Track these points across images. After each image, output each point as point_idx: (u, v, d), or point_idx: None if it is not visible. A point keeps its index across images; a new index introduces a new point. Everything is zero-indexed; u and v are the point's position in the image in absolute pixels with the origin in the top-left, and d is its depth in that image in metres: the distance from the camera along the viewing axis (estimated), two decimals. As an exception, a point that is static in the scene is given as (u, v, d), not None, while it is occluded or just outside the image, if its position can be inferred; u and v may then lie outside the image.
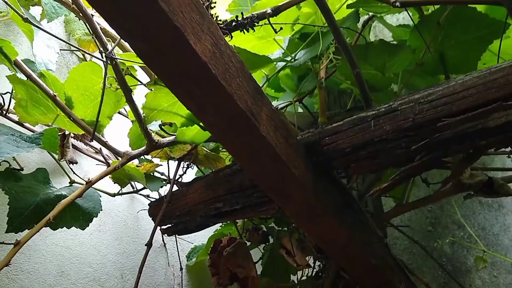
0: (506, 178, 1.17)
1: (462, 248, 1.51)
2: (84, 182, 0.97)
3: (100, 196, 1.01)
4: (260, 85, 1.14)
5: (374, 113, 0.82)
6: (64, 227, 0.91)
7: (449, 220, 1.55)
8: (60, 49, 1.15)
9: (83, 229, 0.94)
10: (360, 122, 0.83)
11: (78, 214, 0.94)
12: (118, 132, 1.22)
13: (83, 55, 1.33)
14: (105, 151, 1.29)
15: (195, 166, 1.25)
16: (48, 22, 1.09)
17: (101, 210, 0.97)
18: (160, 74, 0.66)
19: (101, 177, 0.96)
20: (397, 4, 0.76)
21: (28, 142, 0.84)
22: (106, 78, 0.92)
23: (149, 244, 1.04)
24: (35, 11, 1.18)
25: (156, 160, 1.22)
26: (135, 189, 1.30)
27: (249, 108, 0.72)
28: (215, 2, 0.84)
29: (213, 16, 0.80)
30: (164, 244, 1.42)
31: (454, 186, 1.10)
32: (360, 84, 0.89)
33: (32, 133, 1.04)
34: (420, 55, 1.01)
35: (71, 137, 1.20)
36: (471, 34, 1.02)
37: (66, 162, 1.18)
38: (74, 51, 1.26)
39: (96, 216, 0.96)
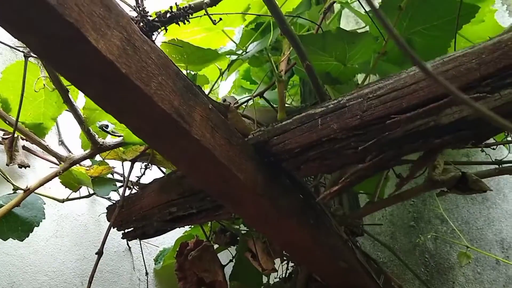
0: (481, 173, 1.10)
1: (445, 244, 1.44)
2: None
3: (44, 203, 0.95)
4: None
5: (322, 110, 0.75)
6: None
7: (432, 215, 1.47)
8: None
9: (21, 240, 0.88)
10: (308, 120, 0.76)
11: (17, 225, 0.88)
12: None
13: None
14: (62, 153, 1.23)
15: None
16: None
17: (44, 218, 0.91)
18: (63, 73, 0.59)
19: (41, 184, 0.90)
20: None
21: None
22: (42, 79, 0.85)
23: (99, 253, 0.98)
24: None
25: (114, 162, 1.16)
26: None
27: (175, 110, 0.65)
28: (148, -8, 0.77)
29: (142, 10, 0.72)
30: (129, 247, 1.36)
31: (427, 183, 1.03)
32: (312, 77, 0.81)
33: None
34: (383, 44, 0.93)
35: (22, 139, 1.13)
36: (439, 19, 0.94)
37: (18, 166, 1.12)
38: (14, 48, 1.19)
39: (38, 225, 0.90)
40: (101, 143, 0.94)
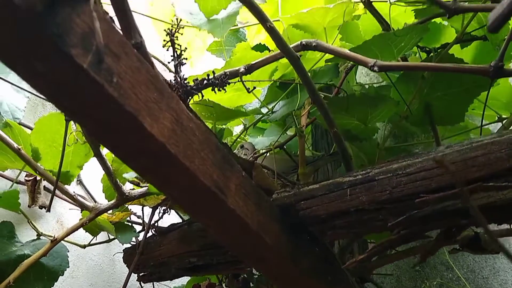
0: (493, 233, 1.13)
1: (450, 291, 1.46)
2: (53, 235, 0.93)
3: (68, 251, 0.96)
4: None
5: (351, 180, 0.78)
6: (26, 288, 0.86)
7: (437, 261, 1.50)
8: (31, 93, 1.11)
9: (46, 290, 0.89)
10: (336, 189, 0.79)
11: (43, 274, 0.90)
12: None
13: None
14: (79, 191, 1.25)
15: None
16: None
17: (68, 267, 0.93)
18: (113, 151, 0.62)
19: (67, 234, 0.92)
20: (375, 68, 0.72)
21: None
22: (74, 133, 0.87)
23: (119, 300, 1.00)
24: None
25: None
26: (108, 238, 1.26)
27: (214, 183, 0.68)
28: (186, 59, 0.80)
29: (181, 79, 0.76)
30: (141, 287, 1.37)
31: (439, 239, 1.06)
32: (339, 144, 0.84)
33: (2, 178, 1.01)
34: (405, 108, 0.97)
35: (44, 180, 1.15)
36: (458, 87, 0.97)
37: (39, 207, 1.13)
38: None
39: (62, 274, 0.92)
40: (126, 193, 0.96)
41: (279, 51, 0.78)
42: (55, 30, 0.46)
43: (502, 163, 0.64)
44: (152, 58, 1.07)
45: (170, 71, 0.80)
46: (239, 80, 0.81)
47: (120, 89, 0.53)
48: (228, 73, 0.81)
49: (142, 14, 1.00)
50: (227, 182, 0.71)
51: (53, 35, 0.46)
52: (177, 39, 0.78)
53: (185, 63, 0.80)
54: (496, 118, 1.07)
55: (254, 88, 0.81)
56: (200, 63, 1.10)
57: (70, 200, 1.02)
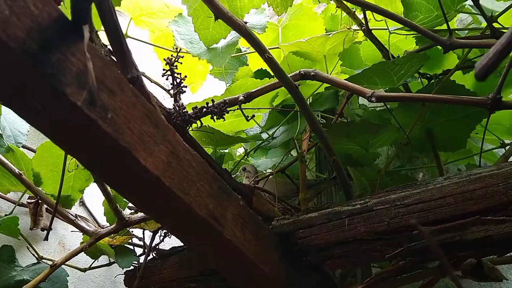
0: (497, 260, 1.11)
1: (456, 316, 1.43)
2: (53, 260, 0.94)
3: (68, 276, 0.96)
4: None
5: (349, 210, 0.77)
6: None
7: (442, 284, 1.47)
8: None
9: (45, 315, 0.89)
10: (335, 218, 0.78)
11: (41, 299, 0.89)
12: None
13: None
14: (82, 213, 1.25)
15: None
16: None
17: (67, 291, 0.93)
18: (108, 183, 0.62)
19: (67, 259, 0.92)
20: (373, 99, 0.72)
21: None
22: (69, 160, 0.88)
23: (118, 325, 0.99)
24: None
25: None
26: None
27: (211, 213, 0.68)
28: (186, 86, 0.81)
29: (179, 107, 0.76)
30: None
31: (441, 267, 1.05)
32: (339, 172, 0.84)
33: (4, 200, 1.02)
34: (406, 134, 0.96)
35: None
36: (460, 113, 0.97)
37: (40, 230, 1.14)
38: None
39: (61, 300, 0.92)
40: (126, 218, 0.96)
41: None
42: (50, 71, 0.47)
43: (499, 197, 0.64)
44: (153, 85, 1.09)
45: (171, 96, 0.80)
46: (239, 108, 0.81)
47: (115, 125, 0.53)
48: (227, 101, 0.81)
49: (143, 42, 1.01)
50: (224, 212, 0.71)
51: (48, 75, 0.47)
52: (176, 68, 0.79)
53: (185, 91, 0.80)
54: (499, 143, 1.06)
55: (254, 116, 0.81)
56: (202, 87, 1.11)
57: (70, 224, 1.03)
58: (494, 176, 0.65)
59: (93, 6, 0.50)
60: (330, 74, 0.96)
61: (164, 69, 0.77)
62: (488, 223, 0.64)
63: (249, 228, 0.77)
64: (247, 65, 1.10)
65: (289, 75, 0.78)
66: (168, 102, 0.86)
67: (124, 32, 1.01)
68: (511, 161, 0.71)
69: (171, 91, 0.80)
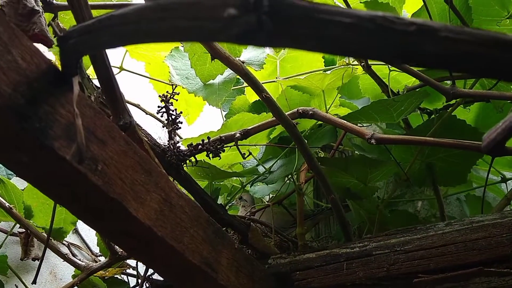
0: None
1: None
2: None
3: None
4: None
5: (348, 253, 0.75)
6: None
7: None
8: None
9: None
10: (333, 261, 0.76)
11: (29, 337, 0.87)
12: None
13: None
14: (75, 241, 1.23)
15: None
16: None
17: (57, 329, 0.90)
18: (98, 231, 0.60)
19: (57, 295, 0.89)
20: (372, 141, 0.70)
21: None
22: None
23: None
24: None
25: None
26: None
27: (204, 260, 0.65)
28: (181, 122, 0.79)
29: (174, 146, 0.74)
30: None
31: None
32: (338, 213, 0.82)
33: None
34: (406, 168, 0.95)
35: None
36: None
37: (31, 259, 1.11)
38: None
39: (50, 337, 0.89)
40: (119, 252, 0.94)
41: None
42: (37, 125, 0.45)
43: (503, 248, 0.62)
44: (149, 117, 1.07)
45: (166, 127, 0.79)
46: (235, 145, 0.80)
47: (105, 177, 0.51)
48: (223, 138, 0.79)
49: (139, 74, 1.00)
50: (218, 257, 0.69)
51: (34, 130, 0.45)
52: (172, 105, 0.77)
53: (180, 127, 0.79)
54: (500, 178, 1.04)
55: (250, 153, 0.79)
56: (199, 118, 1.09)
57: (62, 259, 1.00)
58: (497, 225, 0.64)
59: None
60: (329, 108, 0.95)
61: (159, 106, 0.76)
62: (492, 275, 0.62)
63: (244, 271, 0.74)
64: (245, 94, 1.09)
65: (287, 113, 0.76)
66: (164, 132, 0.84)
67: (119, 65, 0.99)
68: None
69: (166, 128, 0.78)
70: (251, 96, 1.07)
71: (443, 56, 0.25)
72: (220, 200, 1.10)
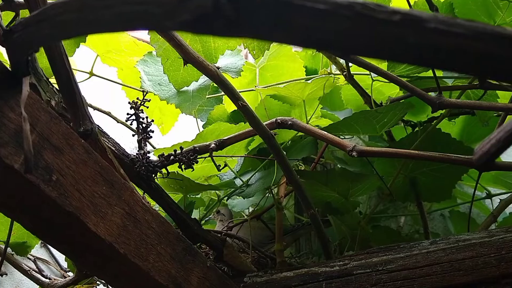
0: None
1: None
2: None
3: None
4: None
5: (327, 272, 0.71)
6: None
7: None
8: None
9: None
10: (311, 281, 0.72)
11: None
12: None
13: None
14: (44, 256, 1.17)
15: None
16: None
17: None
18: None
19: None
20: (354, 154, 0.66)
21: None
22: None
23: None
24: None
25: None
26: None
27: (173, 279, 0.61)
28: (153, 131, 0.74)
29: (143, 156, 0.69)
30: None
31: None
32: (318, 229, 0.78)
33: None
34: (389, 183, 0.91)
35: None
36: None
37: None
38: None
39: None
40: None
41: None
42: (-20, 129, 0.40)
43: (491, 269, 0.58)
44: (120, 126, 1.02)
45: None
46: (210, 156, 0.75)
47: (60, 188, 0.47)
48: (197, 148, 0.75)
49: (110, 80, 0.95)
50: (188, 276, 0.64)
51: (-24, 135, 0.40)
52: (142, 112, 0.72)
53: (151, 137, 0.74)
54: (485, 193, 1.01)
55: (226, 165, 0.75)
56: (174, 128, 1.05)
57: (24, 275, 0.94)
58: (485, 245, 0.60)
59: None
60: (310, 118, 0.91)
61: (128, 113, 0.71)
62: (479, 298, 0.58)
63: (217, 290, 0.70)
64: (223, 103, 1.04)
65: (265, 123, 0.72)
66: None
67: (89, 70, 0.95)
68: (502, 227, 0.65)
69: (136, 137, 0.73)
70: (230, 105, 1.03)
71: (430, 51, 0.21)
72: (196, 214, 1.05)
